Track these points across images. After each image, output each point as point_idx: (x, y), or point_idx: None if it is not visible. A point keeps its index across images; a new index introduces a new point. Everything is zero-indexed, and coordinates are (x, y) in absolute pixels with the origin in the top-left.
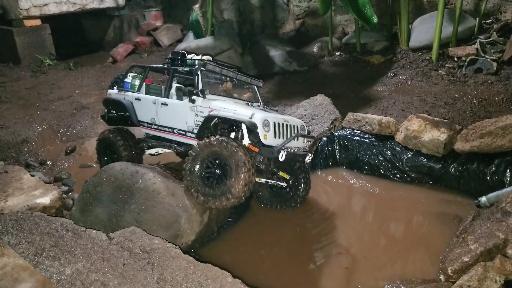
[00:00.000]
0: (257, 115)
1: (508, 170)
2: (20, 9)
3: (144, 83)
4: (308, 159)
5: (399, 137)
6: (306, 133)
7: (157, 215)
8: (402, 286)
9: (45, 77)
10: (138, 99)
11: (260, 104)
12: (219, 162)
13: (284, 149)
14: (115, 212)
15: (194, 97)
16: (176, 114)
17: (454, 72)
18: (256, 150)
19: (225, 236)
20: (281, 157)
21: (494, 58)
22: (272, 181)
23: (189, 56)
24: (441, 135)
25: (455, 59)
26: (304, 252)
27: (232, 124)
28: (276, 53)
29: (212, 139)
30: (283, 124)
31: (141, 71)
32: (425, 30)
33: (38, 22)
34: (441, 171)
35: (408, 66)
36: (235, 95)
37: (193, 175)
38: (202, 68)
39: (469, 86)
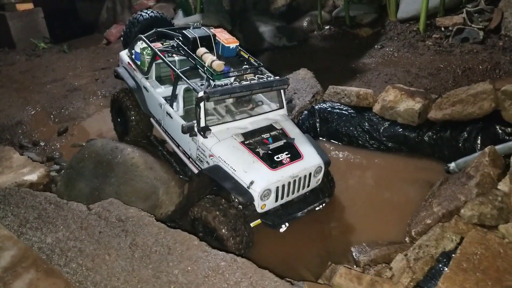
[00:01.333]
0: (257, 185)
1: (479, 137)
2: None
3: (154, 65)
4: (319, 208)
5: (376, 108)
6: (322, 172)
7: (135, 188)
8: (368, 248)
9: (39, 61)
10: (146, 89)
11: (284, 107)
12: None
13: (286, 221)
14: (96, 186)
15: (195, 131)
16: (180, 134)
17: (441, 42)
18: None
19: None
20: (282, 230)
21: (480, 27)
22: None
23: (199, 51)
24: (416, 104)
25: (443, 29)
26: None
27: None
28: (266, 29)
29: (191, 210)
30: (290, 182)
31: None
32: (412, 0)
33: (30, 5)
34: (416, 140)
35: (395, 38)
36: (253, 101)
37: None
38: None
39: (455, 56)
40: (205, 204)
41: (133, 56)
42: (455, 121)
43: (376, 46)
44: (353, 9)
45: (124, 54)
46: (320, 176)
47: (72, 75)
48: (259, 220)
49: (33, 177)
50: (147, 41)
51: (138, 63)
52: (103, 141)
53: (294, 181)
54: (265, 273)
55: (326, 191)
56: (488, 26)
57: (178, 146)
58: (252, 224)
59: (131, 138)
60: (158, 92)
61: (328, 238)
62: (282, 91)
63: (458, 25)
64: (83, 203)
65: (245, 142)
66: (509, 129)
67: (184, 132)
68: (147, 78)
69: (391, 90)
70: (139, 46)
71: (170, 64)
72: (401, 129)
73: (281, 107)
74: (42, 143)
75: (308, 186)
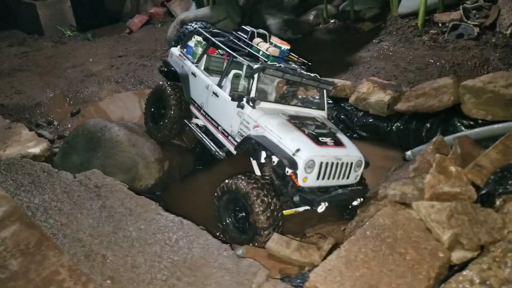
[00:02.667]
0: (303, 153)
1: (439, 128)
2: None
3: (205, 55)
4: (356, 203)
5: (351, 99)
6: (363, 167)
7: (118, 161)
8: (319, 223)
9: (64, 47)
10: (194, 74)
11: (325, 109)
12: (240, 205)
13: (326, 200)
14: (86, 158)
15: (243, 103)
16: (224, 110)
17: (437, 38)
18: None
19: (186, 183)
20: (321, 209)
21: (476, 23)
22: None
23: (255, 41)
24: (386, 96)
25: (440, 25)
26: None
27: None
28: (273, 22)
29: (218, 188)
30: (333, 163)
31: (206, 37)
32: None
33: None
34: (385, 130)
35: (394, 33)
36: (297, 96)
37: (228, 228)
38: (261, 73)
39: (447, 51)
40: (243, 178)
41: (185, 50)
42: (421, 113)
43: (374, 40)
44: (359, 3)
45: (174, 49)
46: (359, 172)
47: (91, 62)
48: (291, 210)
49: (36, 150)
50: (205, 33)
51: (190, 56)
52: (95, 121)
53: (337, 164)
54: (204, 233)
55: (361, 192)
56: (484, 22)
57: (217, 126)
58: (285, 212)
59: (162, 135)
60: (205, 78)
61: (288, 222)
62: (325, 93)
63: (455, 21)
64: (75, 173)
65: (291, 121)
66: (465, 121)
67: (234, 99)
68: (196, 66)
69: (365, 82)
70: (193, 41)
71: (224, 47)
72: (372, 119)
73: (322, 109)
74: (55, 123)
75: (348, 177)
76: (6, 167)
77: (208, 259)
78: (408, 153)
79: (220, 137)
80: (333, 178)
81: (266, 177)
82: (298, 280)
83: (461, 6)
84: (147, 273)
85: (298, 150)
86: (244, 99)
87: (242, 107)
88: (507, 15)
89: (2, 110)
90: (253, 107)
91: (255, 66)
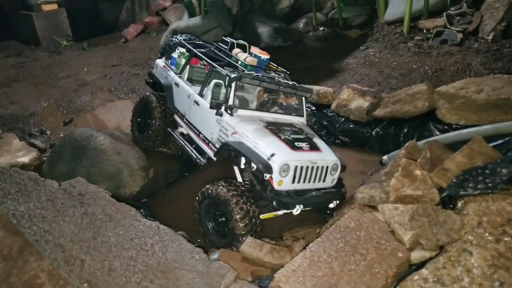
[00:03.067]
0: (278, 158)
1: (416, 132)
2: None
3: (188, 66)
4: (332, 205)
5: (333, 105)
6: (339, 171)
7: (103, 169)
8: (296, 227)
9: (59, 57)
10: (177, 84)
11: (304, 116)
12: (220, 210)
13: (300, 202)
14: (72, 167)
15: (221, 111)
16: (204, 118)
17: (421, 44)
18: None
19: (171, 190)
20: (296, 211)
21: (459, 29)
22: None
23: (234, 51)
24: (365, 103)
25: (424, 31)
26: None
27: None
28: (264, 30)
29: (200, 192)
30: (307, 166)
31: (189, 48)
32: (398, 3)
33: (54, 6)
34: (365, 135)
35: (380, 39)
36: (277, 103)
37: (208, 232)
38: (237, 81)
39: (431, 57)
40: (223, 184)
41: (169, 62)
42: (399, 118)
43: (361, 47)
44: (347, 11)
45: (159, 61)
46: (336, 176)
47: (86, 71)
48: (270, 213)
49: (25, 159)
50: (187, 44)
51: (173, 67)
52: (82, 130)
53: (312, 167)
54: (179, 238)
55: (337, 194)
56: (467, 28)
57: (198, 134)
58: (262, 216)
59: (147, 144)
60: (187, 87)
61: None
62: (304, 100)
63: (439, 27)
64: (61, 181)
65: (268, 127)
66: (440, 126)
67: (212, 107)
68: (179, 77)
69: (345, 89)
70: (177, 52)
71: (204, 57)
72: (352, 125)
73: (301, 115)
74: (48, 132)
75: (324, 181)
76: None
77: (181, 262)
78: (385, 157)
79: (201, 144)
80: (309, 182)
81: (247, 182)
82: (267, 281)
83: (444, 12)
84: (122, 276)
85: (273, 155)
86: (223, 107)
87: (221, 114)
88: (489, 21)
89: None
90: (231, 114)
91: (232, 75)
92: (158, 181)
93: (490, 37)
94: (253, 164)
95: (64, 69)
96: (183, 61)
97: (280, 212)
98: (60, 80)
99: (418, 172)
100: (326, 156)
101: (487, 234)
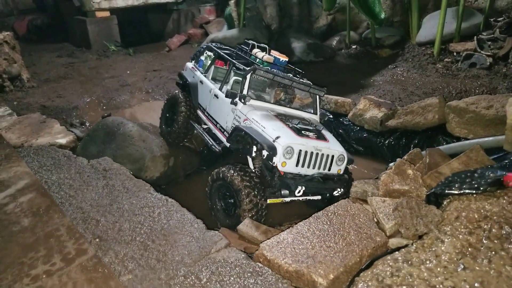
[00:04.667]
0: (282, 140)
1: (425, 144)
2: (93, 2)
3: (213, 66)
4: (336, 193)
5: (349, 115)
6: (345, 163)
7: (128, 153)
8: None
9: (106, 60)
10: (201, 82)
11: (317, 114)
12: (230, 192)
13: (302, 183)
14: (101, 149)
15: (236, 100)
16: (222, 109)
17: (450, 66)
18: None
19: (189, 180)
20: (298, 193)
21: (489, 53)
22: (300, 198)
23: (254, 51)
24: (379, 113)
25: (454, 54)
26: None
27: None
28: (297, 45)
29: (215, 172)
30: (312, 152)
31: (214, 52)
32: (431, 26)
33: (107, 13)
34: (378, 144)
35: (410, 60)
36: (291, 99)
37: (215, 208)
38: (252, 73)
39: (457, 79)
40: (239, 172)
41: (198, 64)
42: (411, 130)
43: (390, 66)
44: (381, 31)
45: (189, 63)
46: (342, 167)
47: (128, 74)
48: (277, 199)
49: (63, 140)
50: (214, 47)
51: (200, 68)
52: (114, 118)
53: (317, 154)
54: (183, 210)
55: (341, 181)
56: (497, 53)
57: (216, 124)
58: (269, 200)
59: (172, 136)
60: (210, 83)
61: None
62: (318, 98)
63: (469, 51)
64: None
65: (277, 116)
66: (449, 139)
67: (227, 96)
68: (205, 76)
69: (362, 100)
70: (205, 55)
71: (226, 56)
72: (366, 134)
73: (315, 113)
74: (87, 124)
75: (329, 170)
76: (35, 151)
77: (181, 229)
78: (391, 164)
79: (218, 133)
80: (313, 168)
81: (257, 169)
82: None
83: (475, 37)
84: (128, 236)
85: (278, 137)
86: (238, 97)
87: (235, 104)
88: None
89: (44, 110)
90: (244, 103)
91: (248, 69)
92: (177, 170)
93: None
94: (264, 153)
95: (109, 71)
96: (209, 62)
97: (287, 199)
98: (104, 79)
99: (410, 171)
100: (333, 146)
101: (462, 227)
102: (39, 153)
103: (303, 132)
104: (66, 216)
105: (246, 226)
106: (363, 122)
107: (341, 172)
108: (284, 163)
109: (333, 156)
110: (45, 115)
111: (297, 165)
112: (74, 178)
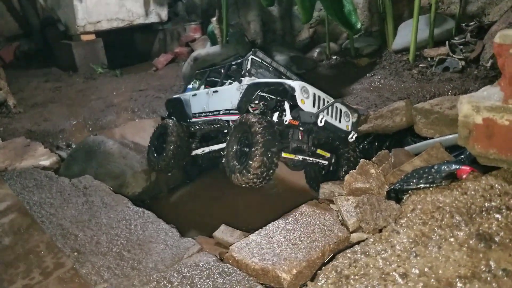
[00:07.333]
0: (296, 82)
1: (397, 146)
2: (78, 26)
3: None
4: (351, 138)
5: None
6: (351, 118)
7: (109, 170)
8: None
9: (93, 83)
10: (195, 94)
11: None
12: (248, 141)
13: (322, 110)
14: (83, 168)
15: (241, 78)
16: (224, 97)
17: (425, 71)
18: (296, 123)
19: (172, 195)
20: (320, 122)
21: (461, 57)
22: (310, 159)
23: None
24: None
25: (429, 59)
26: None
27: (274, 99)
28: (280, 58)
29: (243, 116)
30: (324, 98)
31: (203, 73)
32: (405, 33)
33: (92, 36)
34: None
35: (387, 67)
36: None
37: (229, 150)
38: (253, 56)
39: (431, 83)
40: (266, 128)
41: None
42: (382, 134)
43: (368, 74)
44: (360, 41)
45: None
46: (349, 123)
47: (114, 94)
48: (291, 154)
49: (46, 162)
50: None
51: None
52: (94, 137)
53: (328, 102)
54: (159, 220)
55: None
56: (469, 56)
57: (219, 112)
58: (283, 154)
59: (162, 163)
60: (206, 90)
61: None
62: None
63: (442, 55)
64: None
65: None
66: (417, 139)
67: (231, 75)
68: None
69: None
70: (191, 84)
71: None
72: None
73: None
74: (73, 145)
75: (340, 122)
76: (18, 174)
77: (156, 238)
78: None
79: (222, 118)
80: (326, 114)
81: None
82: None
83: (447, 42)
84: (106, 247)
85: (294, 81)
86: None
87: (240, 81)
88: (489, 49)
89: (30, 134)
90: (250, 75)
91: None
92: (160, 185)
93: (489, 64)
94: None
95: (95, 93)
96: (197, 84)
97: (299, 157)
98: (90, 101)
99: (373, 170)
100: (339, 104)
101: (417, 219)
102: (22, 175)
103: None
104: (45, 233)
105: (222, 232)
106: None
107: (349, 129)
108: (303, 101)
109: (341, 109)
110: (30, 139)
111: (313, 106)
112: (55, 197)
